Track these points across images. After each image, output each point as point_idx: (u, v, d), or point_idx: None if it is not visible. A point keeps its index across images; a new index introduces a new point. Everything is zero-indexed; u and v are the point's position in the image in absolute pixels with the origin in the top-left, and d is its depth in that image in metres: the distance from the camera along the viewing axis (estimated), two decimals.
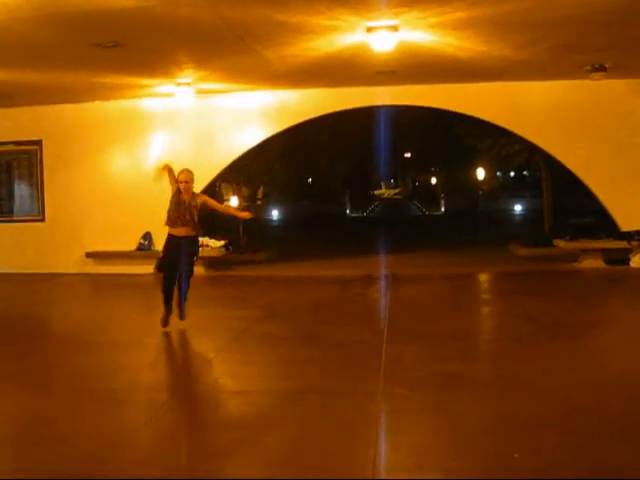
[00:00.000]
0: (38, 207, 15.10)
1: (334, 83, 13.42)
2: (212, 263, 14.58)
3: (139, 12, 7.83)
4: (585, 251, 13.92)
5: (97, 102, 14.43)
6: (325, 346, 7.87)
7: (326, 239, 23.32)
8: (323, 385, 6.35)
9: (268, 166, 21.77)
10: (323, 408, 5.66)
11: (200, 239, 14.42)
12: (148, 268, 14.47)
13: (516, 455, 4.49)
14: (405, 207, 58.18)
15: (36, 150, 14.98)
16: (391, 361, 6.96)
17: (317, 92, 14.02)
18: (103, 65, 10.75)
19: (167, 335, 8.58)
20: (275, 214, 40.29)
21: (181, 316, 8.57)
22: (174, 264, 8.49)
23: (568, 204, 23.59)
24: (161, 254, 8.95)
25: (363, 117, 24.69)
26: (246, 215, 9.40)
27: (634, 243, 13.28)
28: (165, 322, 8.45)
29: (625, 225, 13.44)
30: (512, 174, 52.56)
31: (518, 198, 42.13)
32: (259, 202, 42.21)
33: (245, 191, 27.85)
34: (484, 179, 33.70)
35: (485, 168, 32.29)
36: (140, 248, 14.57)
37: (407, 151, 58.97)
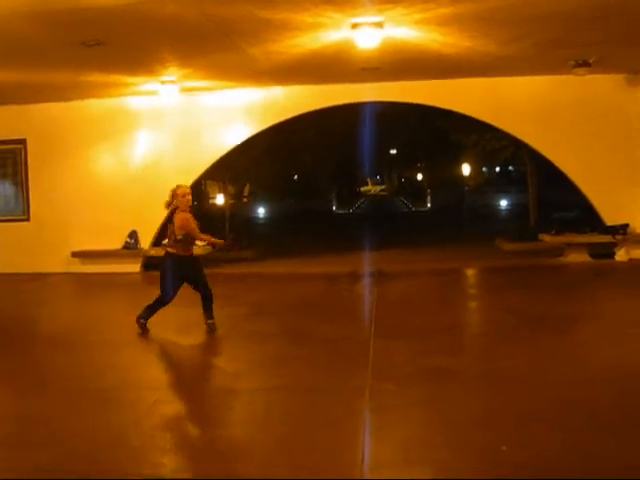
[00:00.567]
0: (23, 206, 15.01)
1: (319, 80, 13.41)
2: None
3: (123, 9, 7.79)
4: (570, 245, 14.01)
5: (82, 100, 14.35)
6: (313, 343, 7.88)
7: (313, 236, 23.33)
8: (311, 381, 6.36)
9: (254, 164, 21.74)
10: (311, 404, 5.67)
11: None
12: (135, 267, 14.46)
13: (504, 448, 4.52)
14: (391, 203, 58.30)
15: (20, 149, 14.89)
16: (379, 357, 6.98)
17: (302, 89, 14.02)
18: (87, 63, 10.69)
19: (157, 334, 8.56)
20: (261, 211, 40.25)
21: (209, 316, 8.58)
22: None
23: (553, 199, 23.72)
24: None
25: (348, 114, 24.68)
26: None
27: (619, 237, 13.37)
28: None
29: (610, 219, 13.53)
30: (498, 169, 52.78)
31: (504, 193, 42.34)
32: (245, 200, 42.19)
33: (231, 189, 27.80)
34: (470, 174, 33.78)
35: (471, 163, 32.36)
36: (126, 247, 14.53)
37: (393, 147, 59.10)
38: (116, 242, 14.50)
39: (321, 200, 45.39)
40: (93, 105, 14.50)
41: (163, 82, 12.30)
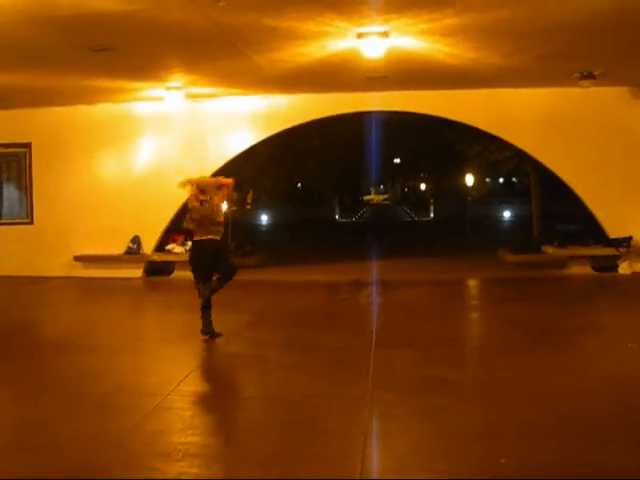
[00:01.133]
0: (27, 210, 15.03)
1: (324, 88, 13.44)
2: None
3: (129, 15, 7.83)
4: (573, 258, 13.98)
5: (87, 105, 14.39)
6: (314, 351, 7.87)
7: (315, 244, 23.32)
8: (311, 390, 6.34)
9: (258, 171, 21.75)
10: (311, 413, 5.66)
11: (188, 243, 14.49)
12: (137, 272, 14.45)
13: (503, 460, 4.50)
14: (394, 213, 58.29)
15: (25, 152, 14.93)
16: (380, 366, 6.97)
17: (307, 97, 14.05)
18: (93, 68, 10.73)
19: (157, 340, 8.55)
20: (264, 219, 40.24)
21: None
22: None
23: (556, 211, 23.73)
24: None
25: (353, 122, 24.73)
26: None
27: (622, 250, 13.35)
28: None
29: (613, 232, 13.51)
30: (501, 180, 52.76)
31: (507, 204, 42.30)
32: (248, 206, 42.16)
33: (234, 195, 27.78)
34: (473, 185, 33.78)
35: (474, 174, 32.36)
36: (129, 252, 14.54)
37: (396, 157, 59.08)
38: (118, 247, 14.52)
39: (324, 208, 45.36)
40: (98, 110, 14.54)
41: (168, 88, 12.33)
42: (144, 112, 14.51)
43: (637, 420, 5.27)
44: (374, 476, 4.42)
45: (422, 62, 10.62)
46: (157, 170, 14.61)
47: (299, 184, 46.08)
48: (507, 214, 40.46)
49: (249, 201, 41.74)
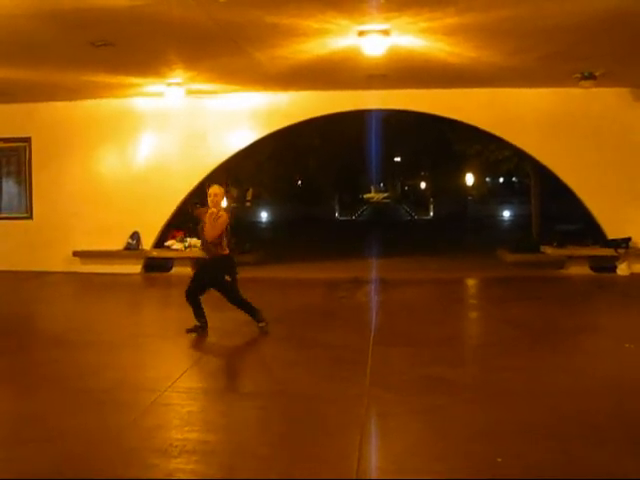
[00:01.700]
0: (26, 205, 15.02)
1: (325, 86, 13.44)
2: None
3: (131, 11, 7.82)
4: (572, 258, 13.99)
5: (87, 100, 14.37)
6: (312, 349, 7.88)
7: (315, 242, 23.32)
8: (309, 388, 6.34)
9: (258, 168, 21.75)
10: (309, 411, 5.66)
11: (188, 240, 14.51)
12: (136, 268, 14.46)
13: (499, 459, 4.51)
14: (394, 211, 58.29)
15: (25, 147, 14.92)
16: (378, 365, 6.97)
17: (308, 95, 14.04)
18: (94, 64, 10.72)
19: (155, 336, 8.55)
20: (264, 216, 40.24)
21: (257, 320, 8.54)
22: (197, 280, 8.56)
23: (556, 211, 23.71)
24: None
25: (353, 120, 24.71)
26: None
27: (621, 251, 13.36)
28: (192, 330, 8.44)
29: (612, 233, 13.51)
30: (501, 180, 52.74)
31: (507, 204, 42.27)
32: (248, 204, 42.18)
33: (234, 192, 27.81)
34: (473, 184, 33.80)
35: (474, 173, 32.40)
36: (128, 248, 14.54)
37: (397, 155, 59.06)
38: (118, 243, 14.51)
39: (324, 206, 45.31)
40: (98, 105, 14.52)
41: (169, 84, 12.32)
42: (145, 108, 14.51)
43: (635, 421, 5.27)
44: (371, 476, 4.42)
45: (423, 61, 10.61)
46: (157, 166, 14.62)
47: (299, 182, 46.08)
48: (507, 214, 40.44)
49: (249, 198, 41.80)
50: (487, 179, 43.92)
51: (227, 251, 8.43)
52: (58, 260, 14.42)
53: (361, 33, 8.94)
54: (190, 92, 12.92)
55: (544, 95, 13.60)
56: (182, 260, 14.44)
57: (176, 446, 4.83)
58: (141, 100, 14.37)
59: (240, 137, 14.56)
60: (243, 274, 14.33)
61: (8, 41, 9.10)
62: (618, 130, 13.49)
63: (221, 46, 9.71)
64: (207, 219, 8.29)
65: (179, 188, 14.50)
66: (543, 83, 13.01)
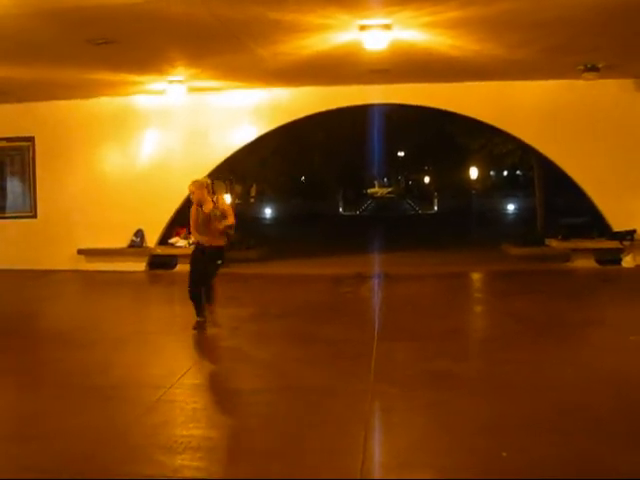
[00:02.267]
0: (30, 203, 15.05)
1: (327, 81, 13.41)
2: None
3: (131, 8, 7.81)
4: (577, 251, 13.95)
5: (90, 99, 14.38)
6: (317, 344, 7.88)
7: (319, 237, 23.33)
8: (314, 383, 6.34)
9: (261, 164, 21.74)
10: (313, 406, 5.66)
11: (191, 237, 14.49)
12: (140, 265, 14.48)
13: (504, 454, 4.50)
14: (398, 206, 58.17)
15: (28, 146, 14.94)
16: (382, 359, 6.97)
17: (310, 90, 14.02)
18: (95, 61, 10.71)
19: (160, 333, 8.56)
20: (268, 212, 40.24)
21: (199, 315, 8.51)
22: (198, 269, 8.54)
23: (560, 204, 23.68)
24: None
25: (356, 115, 24.71)
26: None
27: (626, 243, 13.32)
28: (196, 326, 8.43)
29: (617, 225, 13.47)
30: (505, 173, 52.67)
31: (511, 197, 42.19)
32: (252, 200, 42.22)
33: (238, 189, 27.82)
34: (477, 178, 33.74)
35: (478, 167, 32.33)
36: (132, 245, 14.56)
37: (401, 150, 59.02)
38: (122, 240, 14.53)
39: (328, 201, 45.30)
40: (101, 103, 14.53)
41: (171, 81, 12.32)
42: (147, 105, 14.51)
43: (638, 412, 5.26)
44: (375, 472, 4.42)
45: (425, 54, 10.58)
46: (160, 163, 14.63)
47: (303, 177, 46.09)
48: (511, 207, 40.36)
49: (252, 194, 41.79)
50: (491, 173, 43.91)
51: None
52: (63, 258, 14.44)
53: (362, 28, 8.91)
54: (192, 89, 12.91)
55: (547, 87, 13.55)
56: (186, 257, 14.42)
57: (181, 443, 4.84)
58: (143, 98, 14.37)
59: (243, 133, 14.55)
60: (247, 270, 14.44)
61: (9, 40, 9.10)
62: (622, 122, 13.42)
63: (223, 43, 9.70)
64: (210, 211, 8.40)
65: (182, 185, 14.35)
66: (546, 75, 12.96)
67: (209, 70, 11.91)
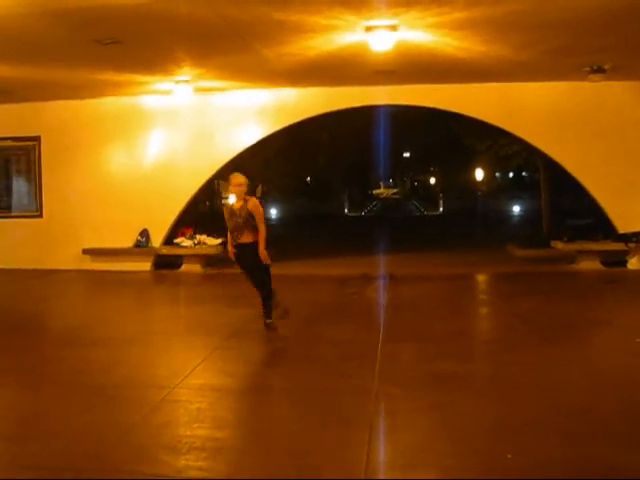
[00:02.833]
0: (36, 203, 15.08)
1: (333, 82, 13.41)
2: (209, 261, 14.59)
3: (138, 9, 7.83)
4: (582, 252, 13.92)
5: (96, 99, 14.42)
6: (321, 344, 7.87)
7: (324, 238, 23.32)
8: (318, 383, 6.34)
9: (266, 165, 21.75)
10: (317, 406, 5.66)
11: (197, 237, 14.54)
12: (145, 265, 14.50)
13: (509, 455, 4.49)
14: (404, 207, 58.22)
15: (34, 146, 14.98)
16: (387, 360, 6.96)
17: (315, 91, 14.02)
18: (102, 62, 10.74)
19: (165, 333, 8.56)
20: (273, 213, 40.27)
21: (266, 315, 8.47)
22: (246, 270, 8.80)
23: (566, 205, 23.63)
24: None
25: (362, 116, 24.69)
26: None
27: (631, 245, 13.28)
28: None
29: (623, 227, 13.44)
30: (511, 175, 52.59)
31: (516, 199, 42.14)
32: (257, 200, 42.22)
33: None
34: (483, 179, 33.71)
35: (484, 169, 32.31)
36: (137, 245, 14.57)
37: (406, 151, 59.03)
38: (127, 240, 14.55)
39: (333, 202, 45.34)
40: (107, 103, 14.57)
41: (177, 82, 12.34)
42: (153, 106, 14.53)
43: None
44: (379, 472, 4.42)
45: (431, 56, 10.57)
46: (166, 163, 14.65)
47: (308, 178, 46.10)
48: (517, 209, 40.31)
49: (258, 195, 41.78)
50: (497, 174, 43.83)
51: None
52: (68, 258, 14.48)
53: (368, 29, 8.92)
54: (198, 89, 12.93)
55: (553, 89, 13.53)
56: (192, 257, 14.48)
57: (185, 443, 4.84)
58: (149, 98, 14.39)
59: (248, 134, 14.56)
60: None
61: (16, 40, 9.13)
62: (628, 124, 13.40)
63: (229, 43, 9.70)
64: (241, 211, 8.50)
65: (188, 185, 14.55)
66: (552, 77, 12.94)
67: (215, 70, 11.92)
